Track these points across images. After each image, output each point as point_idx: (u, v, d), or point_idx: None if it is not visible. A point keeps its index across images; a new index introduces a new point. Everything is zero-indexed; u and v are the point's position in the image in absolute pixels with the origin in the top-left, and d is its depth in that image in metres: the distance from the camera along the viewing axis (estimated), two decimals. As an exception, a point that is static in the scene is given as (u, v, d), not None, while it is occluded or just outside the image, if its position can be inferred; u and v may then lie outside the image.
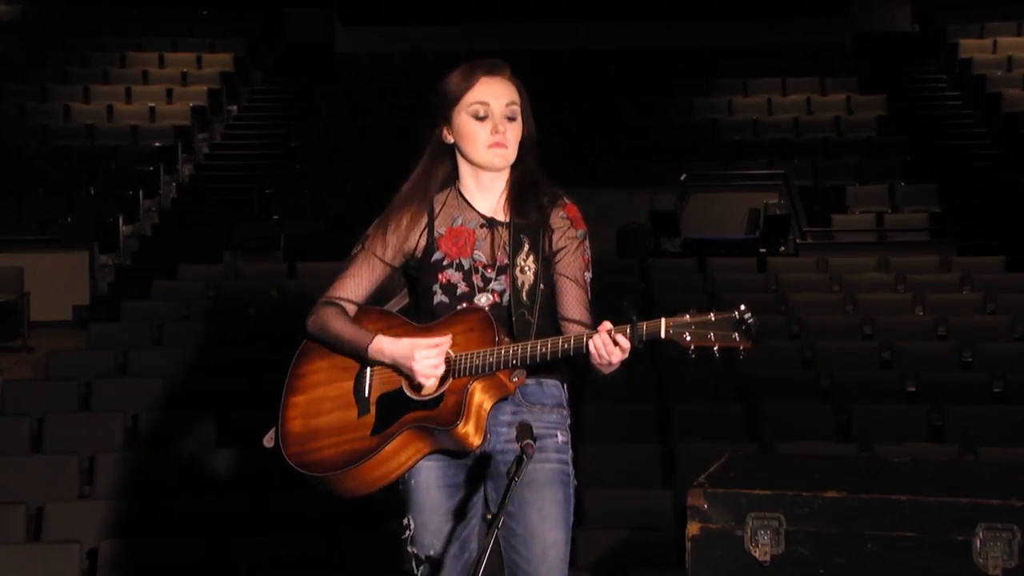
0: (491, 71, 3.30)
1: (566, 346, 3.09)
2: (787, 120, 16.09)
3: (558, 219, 3.32)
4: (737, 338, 2.96)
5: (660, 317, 3.04)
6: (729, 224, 14.29)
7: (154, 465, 7.08)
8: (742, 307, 2.97)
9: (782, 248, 13.49)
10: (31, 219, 13.38)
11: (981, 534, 3.01)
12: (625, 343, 3.02)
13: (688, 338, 2.99)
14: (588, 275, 3.33)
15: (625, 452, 7.26)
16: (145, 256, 13.62)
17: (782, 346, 9.16)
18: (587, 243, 3.35)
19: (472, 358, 3.14)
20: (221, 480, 7.02)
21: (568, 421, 3.34)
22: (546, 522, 3.22)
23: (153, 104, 16.35)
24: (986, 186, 14.72)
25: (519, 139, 3.30)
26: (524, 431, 3.04)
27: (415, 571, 3.28)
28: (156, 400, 8.16)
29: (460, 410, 3.11)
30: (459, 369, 3.15)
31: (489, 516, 2.95)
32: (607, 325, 3.07)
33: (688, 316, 3.01)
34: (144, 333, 9.67)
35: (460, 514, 3.26)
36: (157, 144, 15.44)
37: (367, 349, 3.21)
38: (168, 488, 6.89)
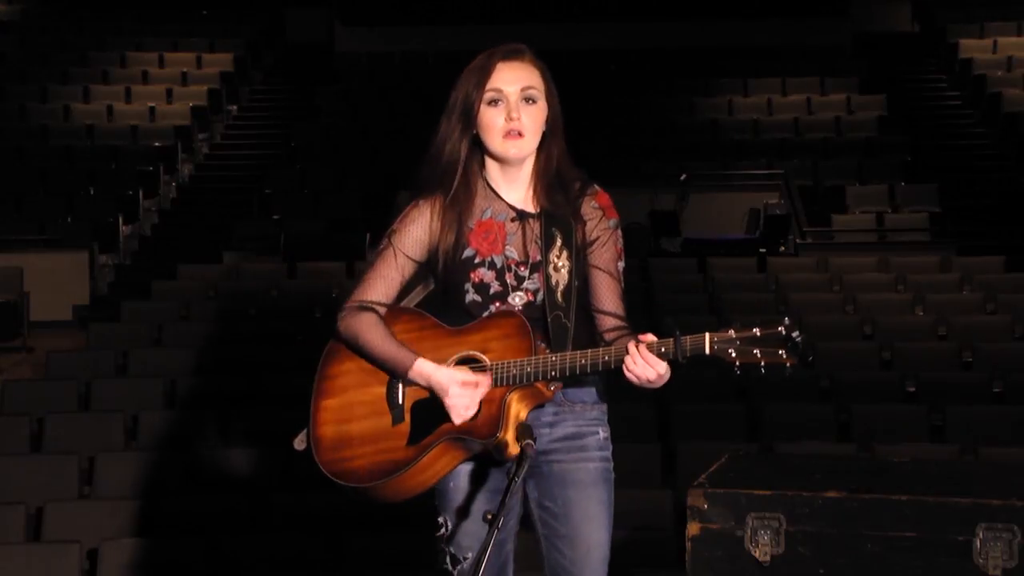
0: (508, 56, 3.21)
1: (607, 358, 3.03)
2: (787, 120, 16.09)
3: (590, 209, 3.25)
4: (784, 355, 2.91)
5: (704, 332, 2.96)
6: (729, 224, 14.30)
7: (154, 465, 7.08)
8: (787, 321, 2.93)
9: (782, 248, 13.49)
10: (31, 219, 13.37)
11: (981, 534, 3.01)
12: (661, 364, 2.98)
13: (733, 354, 2.93)
14: (621, 265, 3.27)
15: (625, 452, 7.22)
16: (145, 256, 13.63)
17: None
18: (619, 232, 3.27)
19: (510, 367, 3.08)
20: (221, 480, 7.02)
21: (607, 416, 3.29)
22: (591, 523, 3.21)
23: (153, 104, 16.36)
24: (986, 186, 14.72)
25: (540, 124, 3.20)
26: (524, 431, 3.03)
27: (451, 570, 3.25)
28: (156, 400, 8.16)
29: (499, 422, 3.05)
30: (496, 378, 3.09)
31: (490, 516, 2.94)
32: (650, 337, 3.01)
33: (732, 331, 2.95)
34: (144, 333, 9.67)
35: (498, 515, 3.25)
36: (157, 144, 15.45)
37: (406, 374, 3.14)
38: (168, 488, 6.88)
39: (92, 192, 14.24)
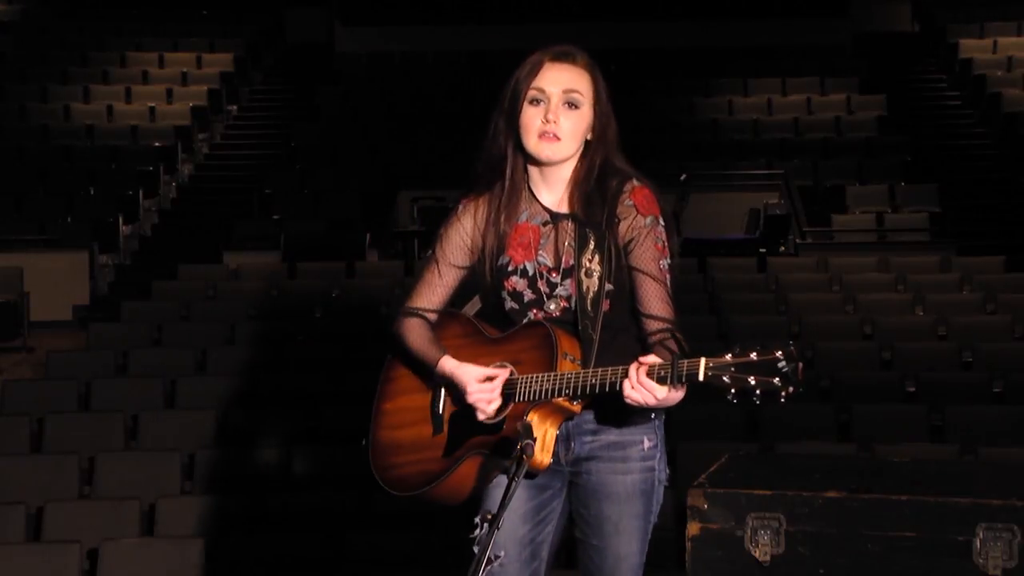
0: (557, 57, 3.15)
1: (614, 379, 2.96)
2: (787, 120, 16.09)
3: (623, 207, 3.14)
4: (779, 383, 2.80)
5: (700, 356, 2.87)
6: (729, 224, 14.29)
7: (154, 465, 7.08)
8: (790, 350, 2.80)
9: (782, 248, 13.49)
10: (31, 219, 13.37)
11: (981, 534, 3.01)
12: (659, 389, 2.88)
13: (727, 381, 2.82)
14: (664, 263, 3.12)
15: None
16: (145, 256, 13.63)
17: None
18: (660, 228, 3.13)
19: (531, 383, 3.04)
20: (221, 480, 7.02)
21: (659, 421, 3.23)
22: (621, 536, 3.19)
23: (153, 104, 16.36)
24: (986, 186, 14.73)
25: (580, 130, 3.13)
26: (525, 431, 3.02)
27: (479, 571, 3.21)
28: (156, 400, 8.16)
29: (515, 440, 2.99)
30: (519, 393, 3.05)
31: (490, 515, 2.93)
32: (651, 359, 2.91)
33: (730, 356, 2.83)
34: (144, 333, 9.67)
35: (536, 519, 3.21)
36: (157, 144, 15.45)
37: (435, 371, 3.15)
38: (168, 488, 6.88)
39: (92, 192, 14.24)
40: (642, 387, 2.90)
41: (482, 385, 3.05)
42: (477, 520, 3.18)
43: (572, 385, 3.00)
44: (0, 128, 15.42)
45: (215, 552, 6.15)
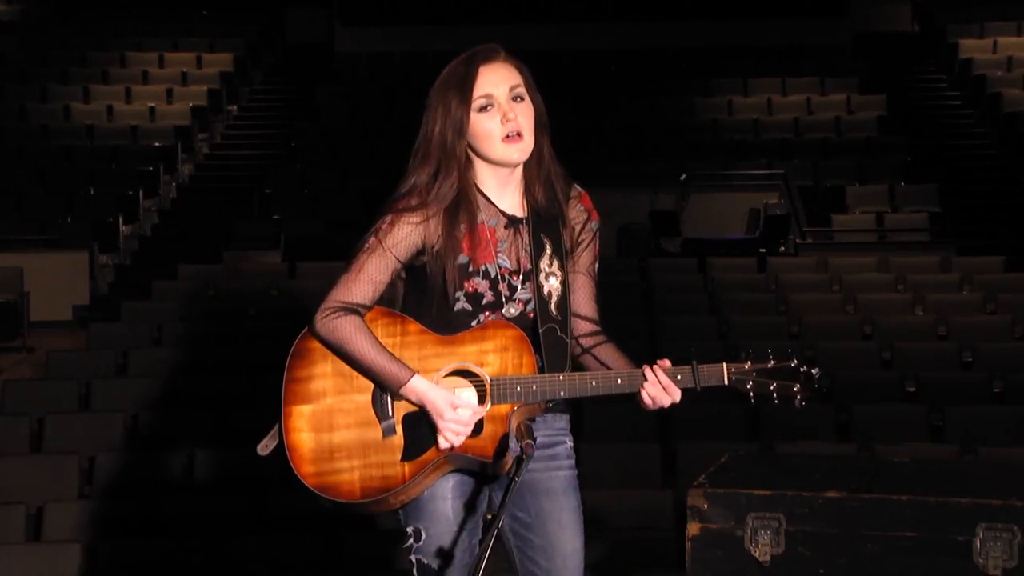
0: (488, 58, 3.12)
1: (619, 381, 3.04)
2: (787, 120, 16.09)
3: (576, 211, 3.21)
4: (797, 389, 3.09)
5: (721, 362, 3.08)
6: (729, 224, 14.30)
7: (154, 465, 7.08)
8: (810, 367, 3.08)
9: (782, 248, 13.49)
10: (31, 219, 13.38)
11: (981, 534, 3.01)
12: (677, 392, 3.03)
13: (750, 386, 3.08)
14: (596, 266, 3.24)
15: (625, 452, 7.26)
16: (145, 256, 13.62)
17: (783, 346, 9.14)
18: (598, 232, 3.25)
19: (514, 384, 3.02)
20: (221, 480, 7.02)
21: (570, 425, 3.27)
22: (565, 532, 3.18)
23: (153, 104, 16.36)
24: (986, 186, 14.73)
25: (532, 121, 3.11)
26: (525, 431, 3.02)
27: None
28: (156, 400, 8.17)
29: (507, 442, 2.99)
30: (499, 395, 3.02)
31: (489, 516, 2.93)
32: (666, 363, 3.05)
33: (748, 363, 3.09)
34: (144, 333, 9.67)
35: (472, 523, 3.17)
36: (157, 144, 15.45)
37: (398, 390, 3.01)
38: (168, 488, 6.89)
39: (92, 192, 14.24)
40: (666, 391, 3.03)
41: (457, 415, 2.98)
42: (410, 530, 3.11)
43: (567, 388, 3.03)
44: (0, 128, 15.42)
45: (215, 552, 6.16)
